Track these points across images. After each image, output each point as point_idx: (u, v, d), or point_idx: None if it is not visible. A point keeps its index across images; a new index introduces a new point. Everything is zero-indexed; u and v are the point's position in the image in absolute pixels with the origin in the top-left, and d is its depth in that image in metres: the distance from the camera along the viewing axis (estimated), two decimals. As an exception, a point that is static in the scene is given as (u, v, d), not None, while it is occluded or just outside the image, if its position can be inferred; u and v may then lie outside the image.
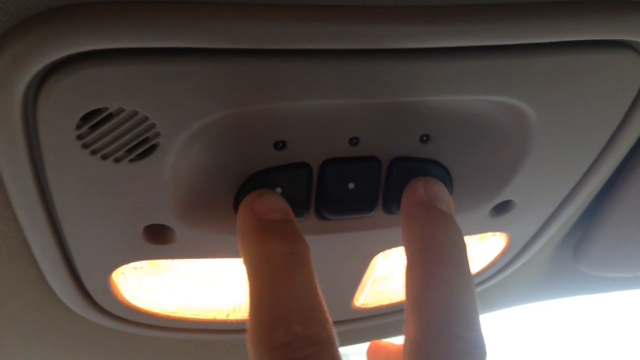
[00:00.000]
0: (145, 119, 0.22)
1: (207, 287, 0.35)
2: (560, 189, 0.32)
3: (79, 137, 0.22)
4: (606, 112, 0.27)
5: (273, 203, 0.25)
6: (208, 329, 0.39)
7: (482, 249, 0.38)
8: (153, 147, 0.23)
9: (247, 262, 0.24)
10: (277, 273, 0.23)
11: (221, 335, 0.40)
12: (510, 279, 0.44)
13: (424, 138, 0.27)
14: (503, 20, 0.22)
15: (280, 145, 0.26)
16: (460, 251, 0.25)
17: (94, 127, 0.22)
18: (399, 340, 0.34)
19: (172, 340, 0.40)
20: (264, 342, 0.22)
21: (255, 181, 0.26)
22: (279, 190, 0.27)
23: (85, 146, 0.23)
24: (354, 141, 0.26)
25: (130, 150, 0.23)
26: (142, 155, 0.24)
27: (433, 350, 0.22)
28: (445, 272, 0.24)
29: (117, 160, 0.23)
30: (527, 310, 0.57)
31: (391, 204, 0.28)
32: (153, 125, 0.22)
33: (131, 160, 0.24)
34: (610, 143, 0.29)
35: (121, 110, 0.22)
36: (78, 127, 0.22)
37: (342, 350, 0.23)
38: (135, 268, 0.32)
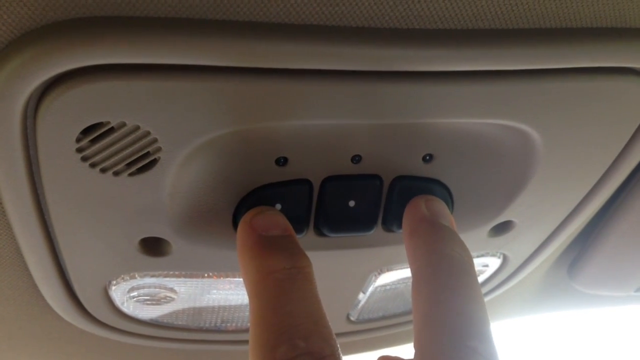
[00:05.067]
0: (147, 134, 0.22)
1: (200, 298, 0.35)
2: (560, 211, 0.32)
3: (79, 150, 0.22)
4: (610, 137, 0.27)
5: (272, 219, 0.25)
6: (199, 340, 0.39)
7: (478, 267, 0.38)
8: (153, 162, 0.23)
9: (247, 279, 0.24)
10: (278, 288, 0.23)
11: (212, 345, 0.40)
12: (505, 294, 0.44)
13: (427, 157, 0.27)
14: (510, 46, 0.22)
15: (281, 162, 0.25)
16: (468, 265, 0.24)
17: (94, 141, 0.22)
18: (401, 353, 0.34)
19: (163, 349, 0.39)
20: (267, 358, 0.21)
21: (255, 197, 0.26)
22: (278, 206, 0.26)
23: (84, 159, 0.22)
24: (356, 159, 0.26)
25: (130, 164, 0.23)
26: (142, 170, 0.23)
27: None
28: (455, 285, 0.23)
29: (116, 173, 0.23)
30: (521, 322, 0.57)
31: (391, 222, 0.28)
32: (155, 140, 0.22)
33: (131, 174, 0.23)
34: (613, 166, 0.29)
35: (123, 125, 0.21)
36: (78, 140, 0.21)
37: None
38: (128, 278, 0.31)
